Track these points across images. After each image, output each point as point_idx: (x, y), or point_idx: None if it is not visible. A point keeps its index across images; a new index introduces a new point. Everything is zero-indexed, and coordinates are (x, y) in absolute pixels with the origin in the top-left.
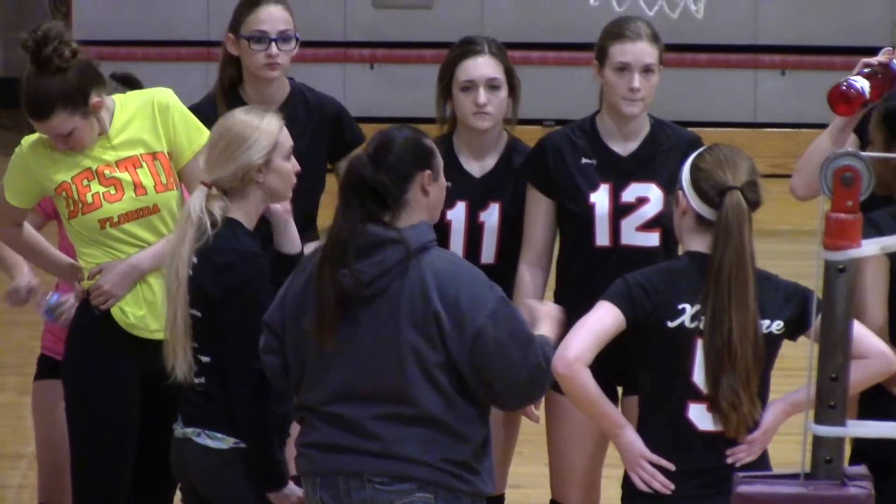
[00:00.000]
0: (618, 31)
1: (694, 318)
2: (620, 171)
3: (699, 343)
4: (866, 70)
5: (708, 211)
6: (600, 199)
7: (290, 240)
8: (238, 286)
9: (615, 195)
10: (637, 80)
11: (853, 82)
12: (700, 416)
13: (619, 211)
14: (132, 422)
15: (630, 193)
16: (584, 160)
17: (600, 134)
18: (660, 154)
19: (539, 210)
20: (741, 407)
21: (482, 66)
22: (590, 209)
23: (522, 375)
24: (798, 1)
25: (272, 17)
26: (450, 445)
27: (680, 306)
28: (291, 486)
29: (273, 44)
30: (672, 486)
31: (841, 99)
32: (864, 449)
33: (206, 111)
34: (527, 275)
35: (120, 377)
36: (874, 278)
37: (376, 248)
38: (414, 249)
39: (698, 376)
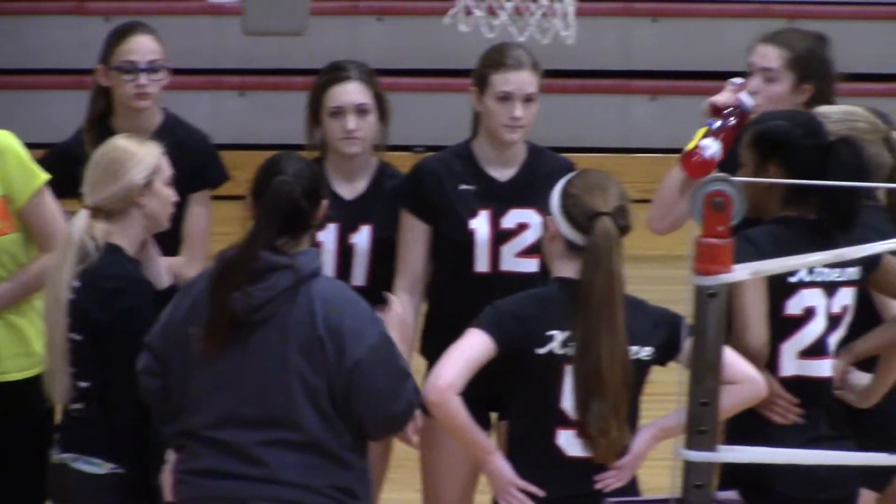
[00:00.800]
0: (499, 59)
1: (563, 344)
2: (500, 197)
3: (568, 369)
4: (717, 124)
5: (578, 237)
6: (480, 225)
7: (156, 275)
8: (126, 311)
9: (495, 221)
10: (519, 110)
11: (705, 150)
12: (569, 442)
13: (500, 237)
14: None
15: (510, 219)
16: (462, 186)
17: (478, 160)
18: (538, 180)
19: (415, 236)
20: (610, 433)
21: (351, 92)
22: (469, 235)
23: (393, 409)
24: (667, 27)
25: (141, 48)
26: (335, 471)
27: (549, 333)
28: None
29: (142, 74)
30: None
31: (697, 169)
32: (735, 472)
33: (74, 149)
34: (403, 301)
35: None
36: (753, 296)
37: (267, 273)
38: (304, 275)
39: (567, 402)
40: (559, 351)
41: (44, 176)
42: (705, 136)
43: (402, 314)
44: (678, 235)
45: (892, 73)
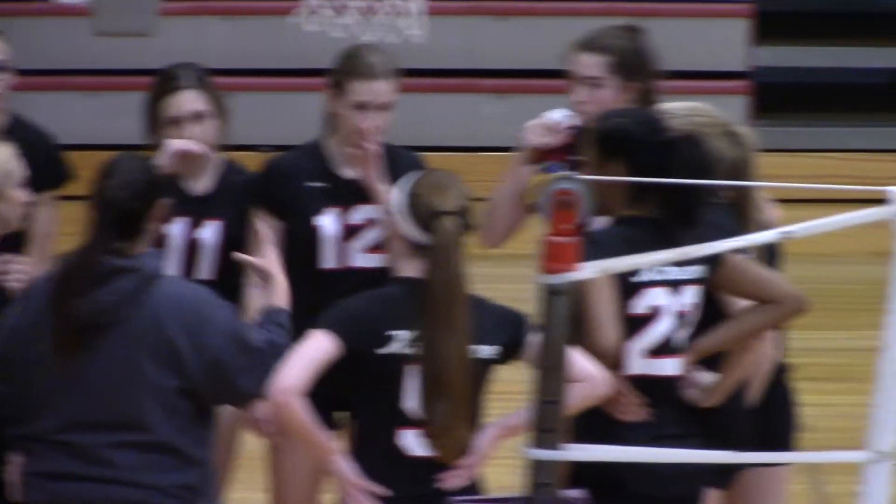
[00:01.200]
0: (356, 67)
1: (405, 344)
2: (348, 194)
3: (410, 369)
4: (556, 167)
5: (420, 236)
6: (327, 222)
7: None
8: None
9: (343, 218)
10: (375, 119)
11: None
12: (413, 442)
13: (347, 233)
14: None
15: (357, 216)
16: (310, 183)
17: (328, 158)
18: (389, 176)
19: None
20: (453, 433)
21: (186, 102)
22: (314, 232)
23: (256, 387)
24: (513, 25)
25: None
26: (181, 470)
27: (391, 332)
28: None
29: None
30: None
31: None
32: (582, 470)
33: None
34: (257, 297)
35: None
36: (601, 297)
37: (112, 277)
38: (149, 277)
39: (409, 402)
40: (401, 351)
41: None
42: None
43: (275, 258)
44: (525, 234)
45: (737, 72)
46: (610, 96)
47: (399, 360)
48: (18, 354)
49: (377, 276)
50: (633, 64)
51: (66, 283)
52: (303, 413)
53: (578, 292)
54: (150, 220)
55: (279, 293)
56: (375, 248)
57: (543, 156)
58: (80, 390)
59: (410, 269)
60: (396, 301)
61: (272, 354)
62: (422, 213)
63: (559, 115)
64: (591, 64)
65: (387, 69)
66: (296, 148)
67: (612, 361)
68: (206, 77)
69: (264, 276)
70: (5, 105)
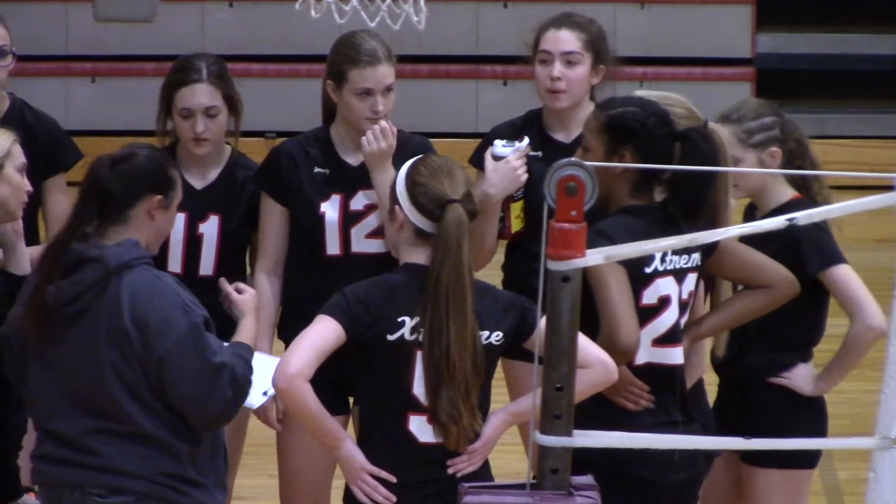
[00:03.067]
0: (355, 55)
1: (413, 330)
2: (350, 181)
3: (419, 355)
4: (519, 192)
5: (427, 224)
6: (330, 208)
7: (19, 260)
8: None
9: (345, 204)
10: (380, 103)
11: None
12: (421, 429)
13: (349, 219)
14: None
15: (358, 201)
16: (316, 169)
17: (334, 145)
18: (394, 161)
19: (273, 218)
20: (461, 419)
21: (200, 96)
22: (320, 218)
23: (208, 409)
24: (517, 12)
25: None
26: (166, 459)
27: (399, 319)
28: (27, 497)
29: None
30: (394, 499)
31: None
32: (589, 457)
33: None
34: (263, 283)
35: None
36: (619, 290)
37: (78, 266)
38: (113, 268)
39: (418, 388)
40: (409, 337)
41: None
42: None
43: (255, 297)
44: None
45: (742, 58)
46: (584, 74)
47: (409, 347)
48: (16, 341)
49: (380, 262)
50: (602, 46)
51: (42, 269)
52: (308, 398)
53: (594, 287)
54: (136, 209)
55: (246, 332)
56: (376, 232)
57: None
58: (59, 380)
59: (416, 255)
60: (404, 288)
61: (225, 375)
62: (429, 201)
63: (504, 148)
64: (569, 39)
65: (386, 52)
66: (301, 134)
67: (629, 356)
68: (224, 70)
69: (238, 311)
70: (6, 90)
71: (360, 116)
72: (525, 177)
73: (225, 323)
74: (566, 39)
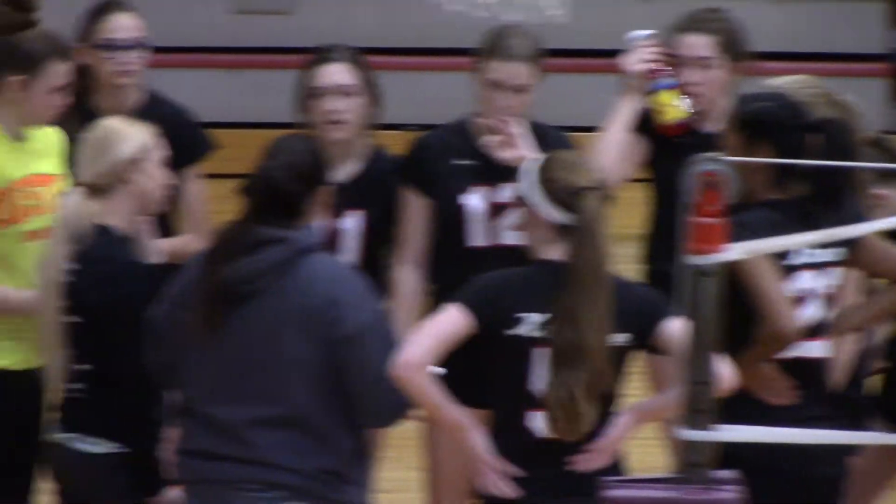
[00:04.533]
0: (494, 46)
1: (536, 326)
2: (496, 173)
3: (539, 351)
4: (669, 81)
5: (564, 216)
6: (474, 199)
7: (149, 249)
8: (124, 296)
9: (490, 196)
10: (507, 99)
11: (685, 107)
12: (538, 423)
13: (494, 211)
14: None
15: (504, 194)
16: (458, 161)
17: (476, 135)
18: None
19: (415, 210)
20: (576, 409)
21: (334, 74)
22: (460, 210)
23: (389, 395)
24: (657, 7)
25: (123, 26)
26: (322, 454)
27: (524, 314)
28: (171, 489)
29: (124, 51)
30: (516, 492)
31: (683, 127)
32: (735, 452)
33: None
34: (404, 275)
35: None
36: (772, 282)
37: (261, 247)
38: (298, 249)
39: (537, 384)
40: (532, 333)
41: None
42: (673, 96)
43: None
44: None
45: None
46: (720, 77)
47: (526, 343)
48: (171, 326)
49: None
50: (737, 44)
51: (214, 252)
52: (428, 387)
53: (746, 280)
54: (311, 203)
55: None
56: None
57: (651, 77)
58: (225, 361)
59: (552, 251)
60: (532, 283)
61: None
62: (560, 193)
63: (642, 34)
64: (700, 44)
65: (526, 52)
66: (443, 126)
67: (791, 342)
68: (360, 56)
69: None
70: (141, 82)
71: (488, 108)
72: (647, 66)
73: None
74: (697, 45)
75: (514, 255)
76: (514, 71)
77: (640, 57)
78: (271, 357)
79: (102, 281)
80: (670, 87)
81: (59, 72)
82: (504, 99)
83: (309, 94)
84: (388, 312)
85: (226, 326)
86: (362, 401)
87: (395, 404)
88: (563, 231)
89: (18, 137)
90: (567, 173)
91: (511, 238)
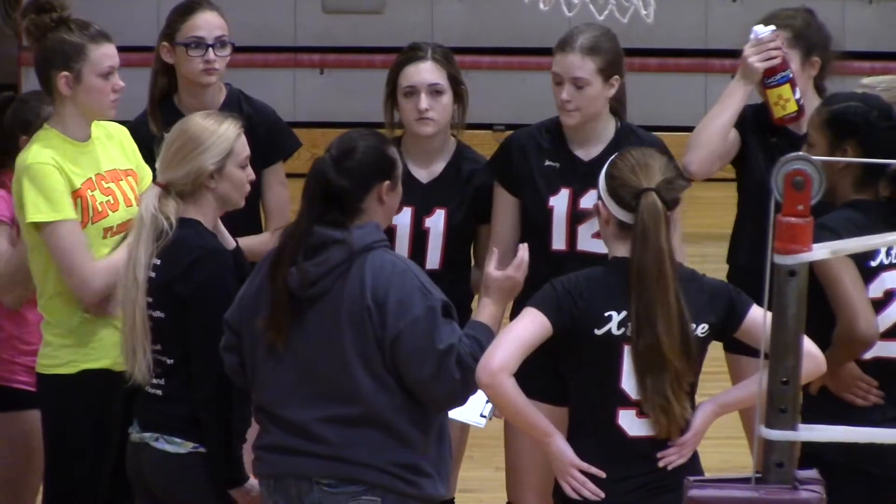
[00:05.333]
0: (559, 41)
1: (621, 324)
2: (581, 177)
3: (626, 349)
4: (786, 75)
5: (627, 216)
6: (559, 202)
7: (221, 235)
8: (206, 282)
9: (574, 200)
10: (565, 92)
11: (800, 100)
12: (630, 423)
13: (577, 217)
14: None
15: (589, 200)
16: (547, 162)
17: (566, 137)
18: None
19: (505, 208)
20: (672, 409)
21: (424, 72)
22: (548, 212)
23: (436, 391)
24: (746, 6)
25: (209, 23)
26: (397, 448)
27: (607, 313)
28: (252, 481)
29: (210, 49)
30: (602, 494)
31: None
32: (818, 452)
33: (139, 129)
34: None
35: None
36: (852, 282)
37: (322, 248)
38: (357, 249)
39: (627, 383)
40: (617, 331)
41: (150, 172)
42: (791, 88)
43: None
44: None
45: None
46: (795, 70)
47: (617, 341)
48: (244, 326)
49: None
50: (811, 37)
51: (279, 254)
52: (512, 393)
53: (826, 281)
54: (368, 200)
55: (486, 311)
56: None
57: (770, 72)
58: (294, 363)
59: (621, 249)
60: (609, 281)
61: (452, 356)
62: (625, 192)
63: (766, 30)
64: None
65: (586, 45)
66: (536, 125)
67: (869, 346)
68: (449, 54)
69: (484, 287)
70: (227, 81)
71: (556, 104)
72: (773, 62)
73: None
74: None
75: (593, 263)
76: (570, 62)
77: (762, 53)
78: (337, 358)
79: (184, 269)
80: (789, 82)
81: (100, 56)
82: (564, 92)
83: (399, 93)
84: (469, 309)
85: (293, 329)
86: (423, 394)
87: (456, 393)
88: (628, 229)
89: (83, 137)
90: (630, 173)
91: (592, 245)
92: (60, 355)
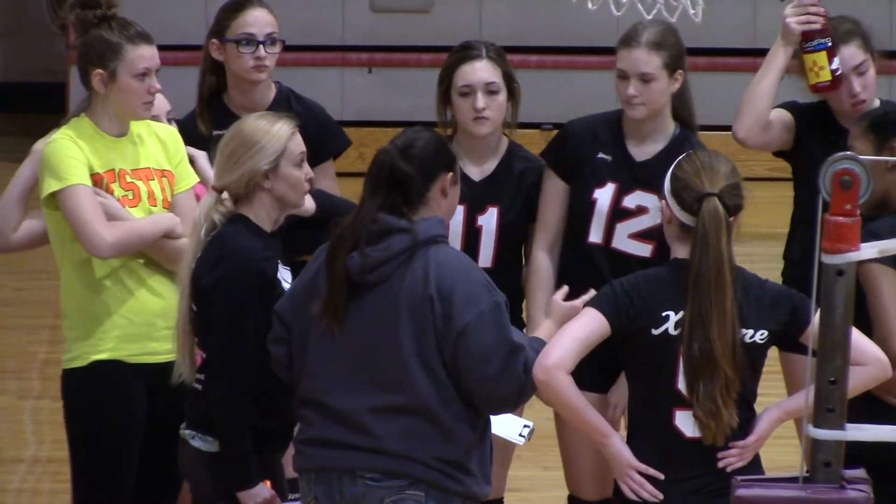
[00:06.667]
0: (623, 36)
1: (678, 325)
2: (629, 174)
3: (683, 350)
4: (825, 42)
5: (689, 218)
6: (603, 196)
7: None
8: (223, 278)
9: (618, 196)
10: (632, 87)
11: (836, 68)
12: (686, 424)
13: (618, 214)
14: (137, 431)
15: (632, 200)
16: (600, 154)
17: (623, 131)
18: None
19: (555, 194)
20: (719, 414)
21: (480, 71)
22: (591, 204)
23: (500, 389)
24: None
25: (259, 20)
26: (442, 444)
27: (664, 313)
28: (260, 486)
29: (261, 46)
30: (660, 496)
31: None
32: (859, 455)
33: (188, 127)
34: (542, 260)
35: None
36: (892, 299)
37: (385, 235)
38: (422, 240)
39: (683, 383)
40: (674, 332)
41: (196, 179)
42: (828, 57)
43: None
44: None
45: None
46: (873, 75)
47: (674, 341)
48: (296, 316)
49: (639, 265)
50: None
51: (338, 240)
52: (568, 391)
53: (867, 293)
54: (433, 190)
55: (544, 330)
56: (642, 235)
57: (808, 36)
58: (348, 348)
59: (682, 251)
60: (669, 282)
61: (521, 357)
62: (688, 195)
63: None
64: (854, 53)
65: (651, 40)
66: (595, 115)
67: None
68: (503, 55)
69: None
70: (276, 79)
71: (621, 99)
72: (812, 26)
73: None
74: (853, 54)
75: (627, 263)
76: (635, 57)
77: (803, 16)
78: (391, 346)
79: (209, 264)
80: (826, 49)
81: (137, 57)
82: (629, 88)
83: (454, 92)
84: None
85: (349, 315)
86: (482, 392)
87: (516, 394)
88: (689, 232)
89: (116, 133)
90: (695, 176)
91: (627, 245)
92: (73, 349)
